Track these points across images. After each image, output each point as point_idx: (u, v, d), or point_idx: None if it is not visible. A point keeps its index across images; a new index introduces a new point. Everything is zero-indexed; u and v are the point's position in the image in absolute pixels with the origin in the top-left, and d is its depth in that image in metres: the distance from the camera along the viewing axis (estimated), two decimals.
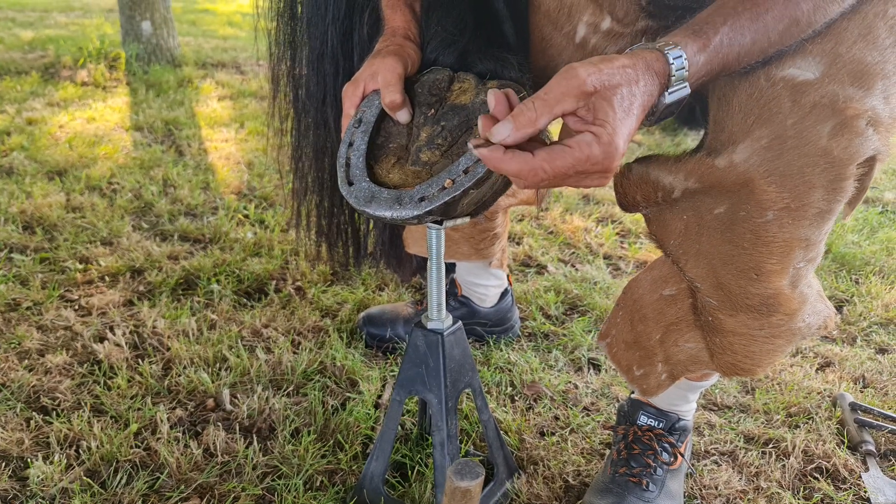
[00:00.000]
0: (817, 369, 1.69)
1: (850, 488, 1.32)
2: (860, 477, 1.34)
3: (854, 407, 1.50)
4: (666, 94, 0.80)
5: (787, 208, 0.87)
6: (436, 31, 1.07)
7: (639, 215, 2.50)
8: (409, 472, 1.30)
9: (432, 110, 1.03)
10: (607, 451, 1.39)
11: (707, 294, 0.99)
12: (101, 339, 1.65)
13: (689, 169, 0.91)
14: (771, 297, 0.94)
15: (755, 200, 0.87)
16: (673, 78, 0.79)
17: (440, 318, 1.16)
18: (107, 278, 1.93)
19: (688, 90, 0.81)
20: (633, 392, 1.33)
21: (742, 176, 0.86)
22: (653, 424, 1.25)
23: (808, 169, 0.84)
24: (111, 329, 1.69)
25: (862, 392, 1.60)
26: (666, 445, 1.24)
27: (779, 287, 0.93)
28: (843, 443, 1.43)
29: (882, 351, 1.78)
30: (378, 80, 1.02)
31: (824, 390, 1.59)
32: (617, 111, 0.76)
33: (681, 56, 0.79)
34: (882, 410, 1.50)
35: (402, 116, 1.02)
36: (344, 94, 1.06)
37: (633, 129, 0.77)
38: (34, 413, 1.39)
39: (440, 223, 1.04)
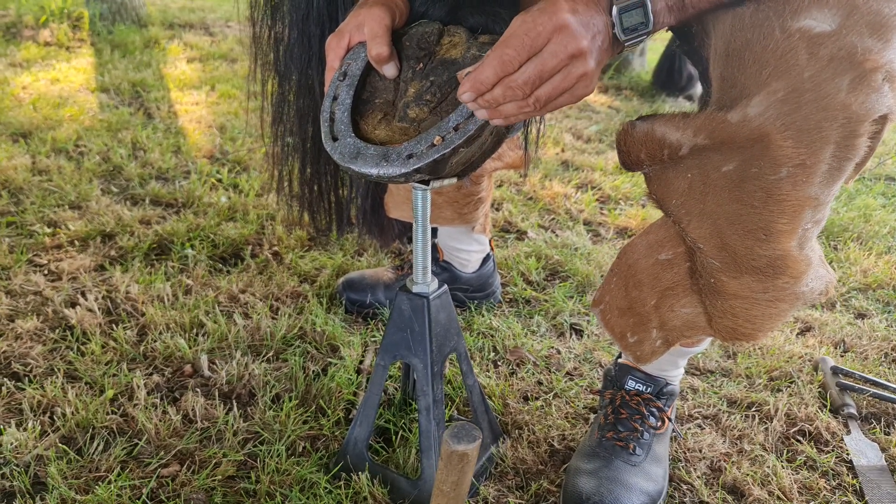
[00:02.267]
0: (798, 334, 1.70)
1: (833, 450, 1.33)
2: (842, 439, 1.35)
3: (836, 371, 1.51)
4: (614, 6, 0.82)
5: (803, 165, 0.84)
6: None
7: (619, 181, 2.50)
8: (393, 438, 1.28)
9: (420, 64, 0.99)
10: (592, 416, 1.38)
11: (710, 255, 0.97)
12: (73, 305, 1.60)
13: (698, 125, 0.88)
14: (778, 259, 0.92)
15: (769, 156, 0.85)
16: None
17: (426, 281, 1.13)
18: (76, 243, 1.87)
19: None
20: (619, 356, 1.32)
21: (757, 130, 0.84)
22: (641, 389, 1.24)
23: (826, 124, 0.82)
24: (83, 294, 1.64)
25: (842, 356, 1.62)
26: (654, 410, 1.23)
27: (787, 248, 0.91)
28: (825, 406, 1.44)
29: (861, 316, 1.80)
30: (364, 31, 0.98)
31: (805, 355, 1.60)
32: None
33: None
34: (863, 374, 1.51)
35: (389, 70, 0.99)
36: (327, 46, 1.02)
37: (573, 5, 0.81)
38: (5, 379, 1.35)
39: (427, 183, 1.01)
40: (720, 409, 1.42)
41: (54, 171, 2.25)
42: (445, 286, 1.16)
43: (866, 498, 1.22)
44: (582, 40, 0.81)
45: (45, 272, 1.73)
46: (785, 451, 1.32)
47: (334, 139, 0.96)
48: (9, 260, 1.74)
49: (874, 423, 1.42)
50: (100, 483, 1.13)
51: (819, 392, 1.49)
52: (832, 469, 1.29)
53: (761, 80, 0.83)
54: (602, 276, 1.87)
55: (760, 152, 0.85)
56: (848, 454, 1.32)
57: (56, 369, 1.38)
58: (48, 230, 1.90)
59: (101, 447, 1.21)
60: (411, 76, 0.99)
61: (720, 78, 0.88)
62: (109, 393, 1.32)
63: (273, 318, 1.61)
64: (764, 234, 0.90)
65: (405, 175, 0.92)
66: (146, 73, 3.42)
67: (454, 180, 1.01)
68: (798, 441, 1.35)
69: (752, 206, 0.89)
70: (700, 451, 1.31)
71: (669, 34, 1.08)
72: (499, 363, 1.53)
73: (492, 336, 1.62)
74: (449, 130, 0.91)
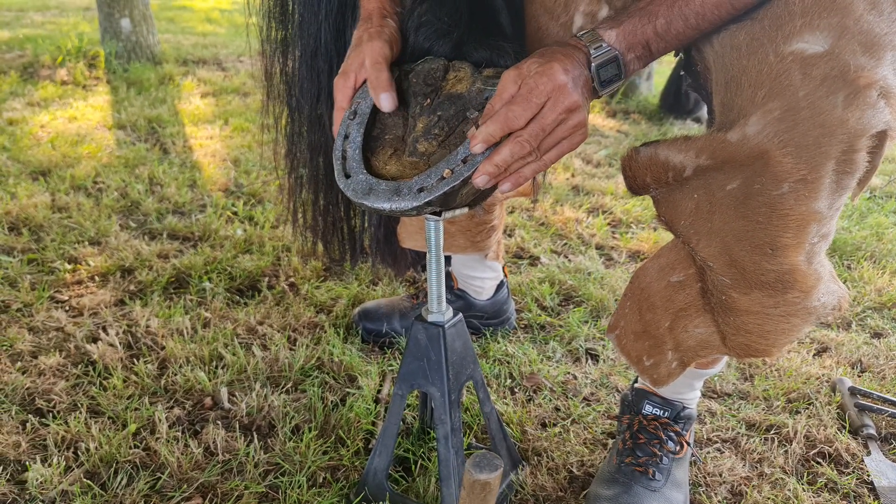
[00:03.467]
0: (814, 355, 1.69)
1: (853, 472, 1.33)
2: (862, 461, 1.35)
3: (853, 391, 1.51)
4: (591, 51, 0.92)
5: (804, 180, 0.87)
6: (429, 20, 1.06)
7: (630, 205, 2.51)
8: (413, 467, 1.29)
9: (428, 100, 1.02)
10: (610, 442, 1.39)
11: (720, 272, 0.99)
12: (95, 340, 1.62)
13: (700, 146, 0.92)
14: (787, 273, 0.94)
15: (770, 173, 0.88)
16: (585, 36, 0.93)
17: (441, 310, 1.15)
18: (97, 278, 1.90)
19: (613, 51, 0.92)
20: (635, 381, 1.32)
21: (756, 148, 0.87)
22: (658, 413, 1.25)
23: (824, 140, 0.85)
24: (104, 329, 1.66)
25: (859, 376, 1.61)
26: (672, 434, 1.23)
27: (795, 262, 0.93)
28: (844, 427, 1.44)
29: (877, 335, 1.80)
30: (366, 64, 1.01)
31: (822, 375, 1.60)
32: (534, 54, 0.94)
33: (585, 31, 0.94)
34: (881, 394, 1.50)
35: (386, 102, 1.00)
36: (335, 86, 1.05)
37: (564, 65, 0.90)
38: (30, 415, 1.37)
39: (439, 214, 1.03)
40: (739, 433, 1.42)
41: (74, 208, 2.29)
42: (460, 314, 1.17)
43: None
44: (575, 95, 0.90)
45: (67, 308, 1.76)
46: (805, 474, 1.32)
47: (347, 176, 0.99)
48: (31, 297, 1.78)
49: (894, 443, 1.42)
50: None
51: (837, 413, 1.48)
52: (853, 491, 1.28)
53: (757, 101, 0.86)
54: (616, 300, 1.87)
55: (761, 169, 0.88)
56: (868, 475, 1.32)
57: (79, 405, 1.40)
58: (69, 266, 1.93)
59: (124, 482, 1.23)
60: (419, 111, 1.01)
61: (720, 104, 0.92)
62: (132, 427, 1.34)
63: (291, 349, 1.63)
64: (770, 249, 0.92)
65: (417, 208, 0.94)
66: (161, 110, 3.48)
67: (466, 210, 1.03)
68: (818, 463, 1.35)
69: (757, 221, 0.91)
70: (720, 475, 1.31)
71: (675, 57, 1.17)
72: (516, 390, 1.54)
73: (508, 363, 1.63)
74: (457, 163, 0.94)
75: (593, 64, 0.92)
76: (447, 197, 0.94)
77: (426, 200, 0.93)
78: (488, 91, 0.98)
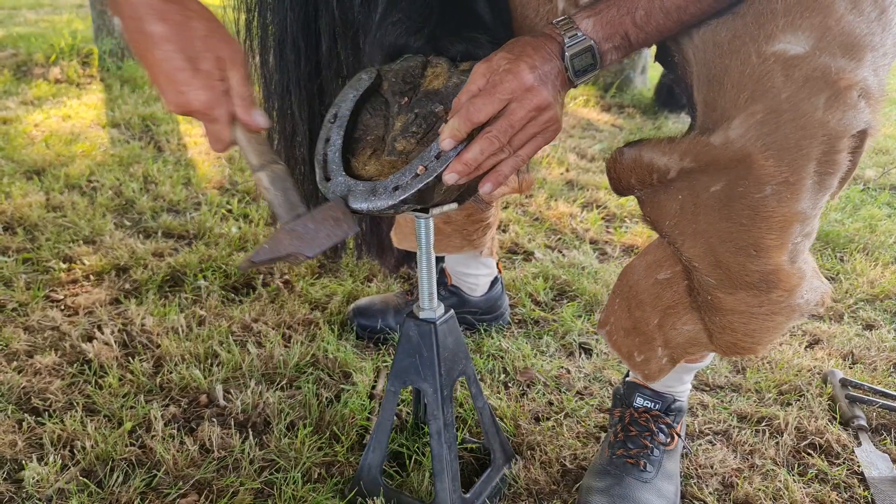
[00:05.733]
0: (806, 347, 1.70)
1: (844, 463, 1.34)
2: (853, 452, 1.36)
3: (844, 383, 1.52)
4: (566, 40, 0.89)
5: (786, 182, 0.87)
6: (401, 18, 1.06)
7: (625, 200, 2.52)
8: (407, 462, 1.30)
9: (406, 98, 1.02)
10: (603, 435, 1.40)
11: (705, 273, 0.99)
12: (90, 339, 1.63)
13: (683, 149, 0.91)
14: (770, 274, 0.95)
15: (753, 176, 0.88)
16: (561, 24, 0.90)
17: (432, 307, 1.15)
18: (91, 277, 1.90)
19: (588, 41, 0.89)
20: (627, 375, 1.33)
21: (739, 152, 0.87)
22: (649, 406, 1.26)
23: (806, 142, 0.85)
24: (99, 328, 1.67)
25: (851, 368, 1.63)
26: (662, 426, 1.25)
27: (778, 263, 0.94)
28: (835, 419, 1.45)
29: (869, 327, 1.81)
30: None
31: (814, 367, 1.61)
32: (504, 46, 0.92)
33: (561, 19, 0.91)
34: (872, 385, 1.52)
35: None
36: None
37: (532, 62, 0.88)
38: (26, 414, 1.37)
39: (426, 212, 1.03)
40: (730, 425, 1.43)
41: (68, 207, 2.29)
42: (452, 311, 1.18)
43: None
44: (544, 92, 0.88)
45: (62, 307, 1.77)
46: (796, 465, 1.33)
47: (327, 179, 0.99)
48: (26, 296, 1.78)
49: (884, 434, 1.43)
50: None
51: (829, 405, 1.50)
52: (844, 481, 1.29)
53: (740, 103, 0.86)
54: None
55: (744, 172, 0.88)
56: (859, 466, 1.33)
57: (75, 403, 1.41)
58: (63, 265, 1.94)
59: (120, 479, 1.23)
60: (397, 110, 1.02)
61: (703, 102, 0.91)
62: (128, 425, 1.35)
63: (286, 346, 1.63)
64: (754, 251, 0.93)
65: (393, 206, 0.94)
66: (155, 107, 3.48)
67: (454, 206, 1.03)
68: (809, 454, 1.36)
69: (740, 223, 0.92)
70: (711, 466, 1.32)
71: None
72: (509, 384, 1.55)
73: (502, 358, 1.64)
74: (431, 160, 0.93)
75: (567, 54, 0.89)
76: (422, 194, 0.94)
77: (401, 198, 0.93)
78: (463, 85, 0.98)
